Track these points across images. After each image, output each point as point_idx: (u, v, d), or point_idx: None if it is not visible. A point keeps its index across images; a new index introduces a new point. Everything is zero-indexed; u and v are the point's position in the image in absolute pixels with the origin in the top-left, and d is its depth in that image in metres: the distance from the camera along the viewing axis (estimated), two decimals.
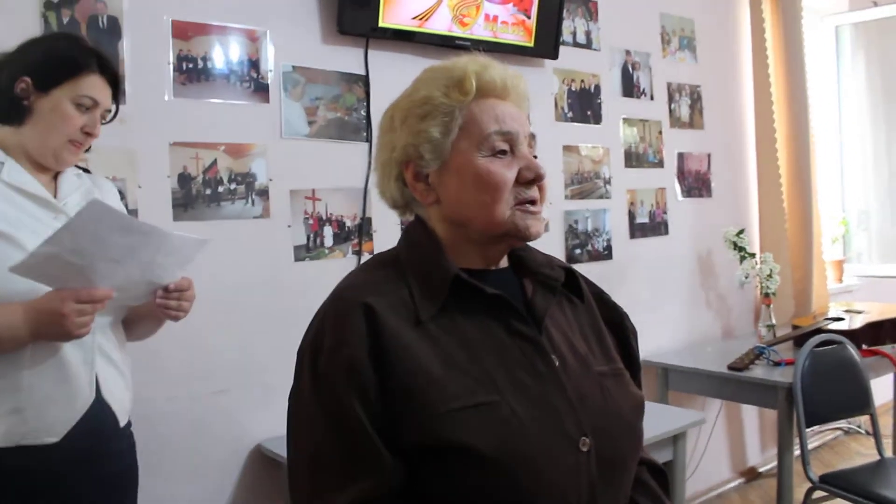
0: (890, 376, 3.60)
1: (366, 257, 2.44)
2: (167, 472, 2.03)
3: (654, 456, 1.21)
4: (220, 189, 2.16)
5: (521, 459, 0.93)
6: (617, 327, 1.19)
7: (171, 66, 2.08)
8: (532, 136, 1.07)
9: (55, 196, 1.50)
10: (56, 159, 1.49)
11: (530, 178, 1.03)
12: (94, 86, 1.50)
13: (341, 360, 0.95)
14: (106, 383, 1.50)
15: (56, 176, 1.54)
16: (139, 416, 1.72)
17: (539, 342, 1.02)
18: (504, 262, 1.11)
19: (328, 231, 2.40)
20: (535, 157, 1.06)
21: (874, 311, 3.43)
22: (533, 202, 1.04)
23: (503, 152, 1.03)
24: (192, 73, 2.12)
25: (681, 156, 3.57)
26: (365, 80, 2.47)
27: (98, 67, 1.51)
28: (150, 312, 1.57)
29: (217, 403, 2.13)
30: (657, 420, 2.38)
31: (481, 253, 1.07)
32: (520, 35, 2.78)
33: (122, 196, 1.94)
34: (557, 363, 1.02)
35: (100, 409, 1.49)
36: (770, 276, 3.41)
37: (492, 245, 1.07)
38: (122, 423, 1.56)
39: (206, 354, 2.11)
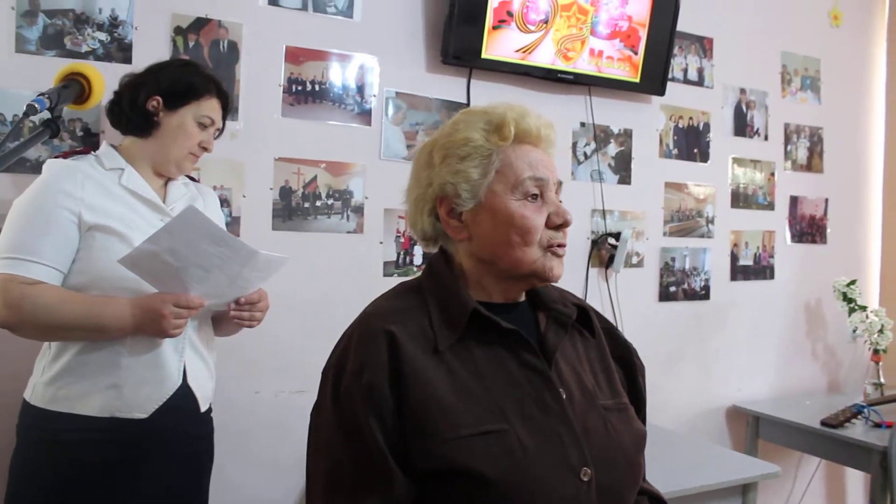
0: None
1: None
2: (243, 458, 2.19)
3: None
4: (318, 203, 2.32)
5: (523, 486, 0.98)
6: (625, 363, 1.23)
7: (282, 88, 2.27)
8: (559, 183, 1.14)
9: (164, 201, 1.70)
10: (177, 168, 1.73)
11: (558, 224, 1.10)
12: (213, 108, 1.73)
13: (362, 383, 1.01)
14: (192, 372, 1.68)
15: (166, 183, 1.75)
16: (226, 405, 1.89)
17: (548, 375, 1.07)
18: (521, 297, 1.17)
19: (418, 250, 2.51)
20: (561, 201, 1.12)
21: None
22: (561, 245, 1.10)
23: (534, 197, 1.09)
24: (300, 94, 2.30)
25: (794, 199, 3.45)
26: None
27: (216, 92, 1.74)
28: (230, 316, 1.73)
29: (296, 402, 2.27)
30: (723, 467, 2.32)
31: (503, 289, 1.14)
32: (625, 70, 2.80)
33: (226, 204, 2.14)
34: (564, 396, 1.07)
35: (185, 394, 1.66)
36: (882, 331, 3.23)
37: (514, 283, 1.13)
38: (203, 409, 1.73)
39: (292, 356, 2.26)
